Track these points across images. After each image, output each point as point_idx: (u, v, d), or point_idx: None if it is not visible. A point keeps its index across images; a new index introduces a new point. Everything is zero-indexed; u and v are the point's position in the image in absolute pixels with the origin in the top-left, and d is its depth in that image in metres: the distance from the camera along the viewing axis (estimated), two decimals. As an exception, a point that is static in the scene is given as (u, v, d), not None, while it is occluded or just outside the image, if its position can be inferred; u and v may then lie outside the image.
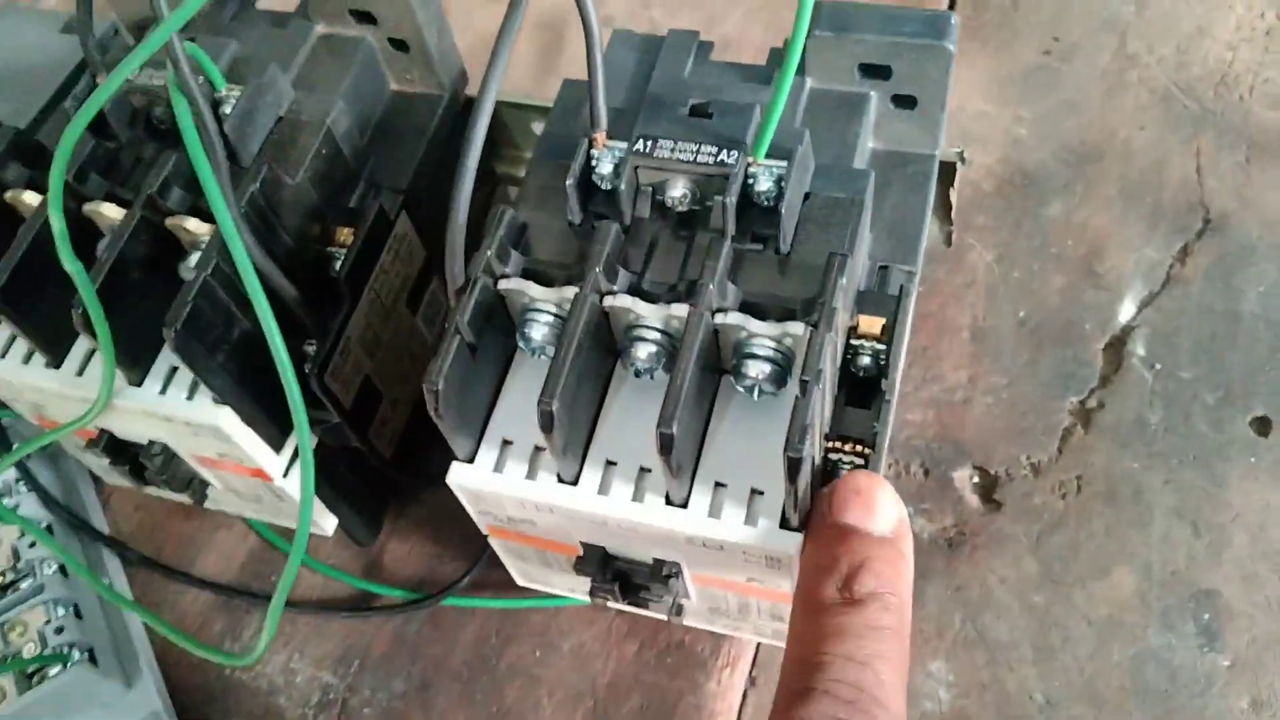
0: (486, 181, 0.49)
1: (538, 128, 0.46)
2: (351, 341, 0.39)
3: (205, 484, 0.42)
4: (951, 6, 0.60)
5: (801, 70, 0.37)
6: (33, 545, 0.46)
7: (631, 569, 0.34)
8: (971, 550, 0.45)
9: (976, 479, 0.47)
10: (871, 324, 0.33)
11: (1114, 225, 0.52)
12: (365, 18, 0.41)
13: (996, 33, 0.59)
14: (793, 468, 0.27)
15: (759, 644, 0.44)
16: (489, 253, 0.32)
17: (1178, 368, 0.48)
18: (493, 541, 0.37)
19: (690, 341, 0.29)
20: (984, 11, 0.60)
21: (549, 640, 0.45)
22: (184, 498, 0.41)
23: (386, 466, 0.44)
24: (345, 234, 0.39)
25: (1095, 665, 0.42)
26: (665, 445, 0.28)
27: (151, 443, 0.39)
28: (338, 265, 0.38)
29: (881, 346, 0.33)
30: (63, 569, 0.45)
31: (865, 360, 0.33)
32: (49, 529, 0.47)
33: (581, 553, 0.35)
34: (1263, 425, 0.46)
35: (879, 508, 0.29)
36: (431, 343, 0.46)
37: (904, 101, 0.36)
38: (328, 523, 0.43)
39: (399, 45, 0.41)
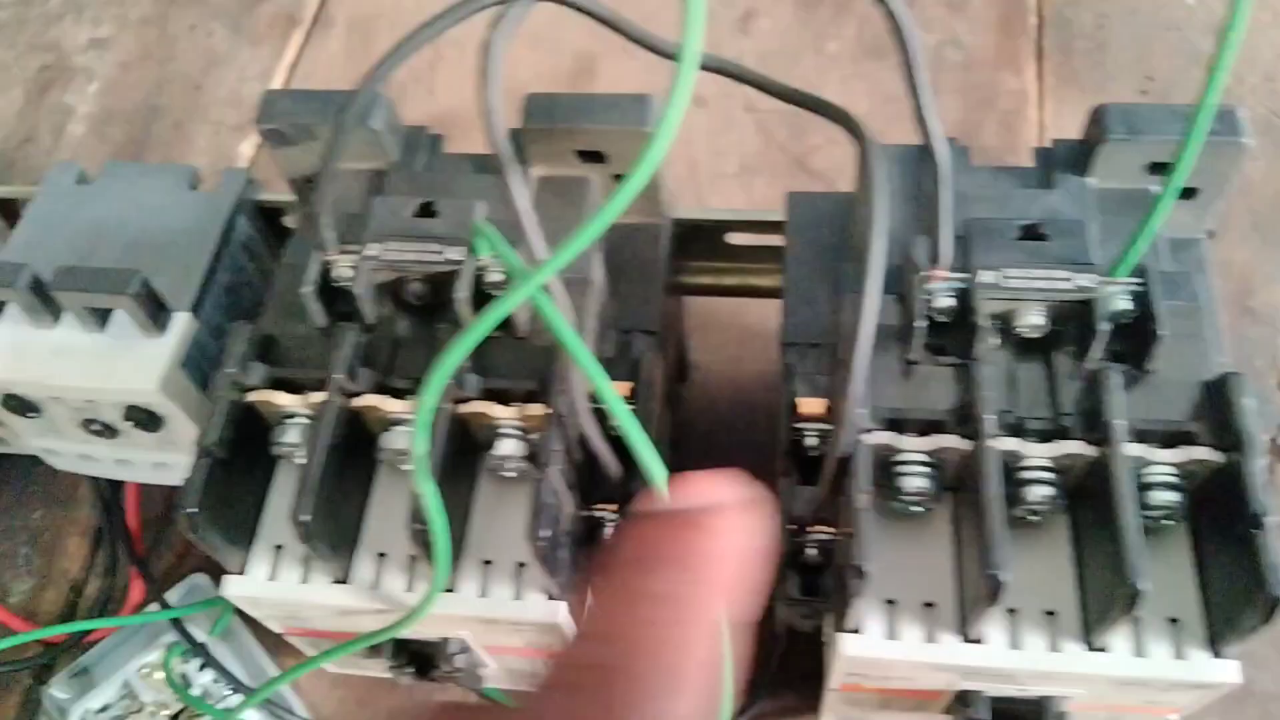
0: (674, 291, 0.47)
1: (732, 237, 0.45)
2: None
3: (483, 667, 0.39)
4: (1040, 54, 0.61)
5: (1080, 169, 0.36)
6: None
7: (1012, 709, 0.33)
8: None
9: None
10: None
11: (1256, 260, 0.54)
12: (592, 156, 0.38)
13: (1090, 75, 0.60)
14: (1270, 608, 0.27)
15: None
16: (863, 416, 0.30)
17: (1356, 395, 0.50)
18: (837, 695, 0.35)
19: (1119, 487, 0.29)
20: (1071, 56, 0.61)
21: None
22: (468, 687, 0.38)
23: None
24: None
25: (1362, 701, 0.43)
26: (1131, 602, 0.28)
27: (448, 640, 0.36)
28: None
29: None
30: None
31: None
32: (252, 729, 0.43)
33: (964, 701, 0.33)
34: None
35: None
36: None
37: (1187, 193, 0.36)
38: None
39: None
